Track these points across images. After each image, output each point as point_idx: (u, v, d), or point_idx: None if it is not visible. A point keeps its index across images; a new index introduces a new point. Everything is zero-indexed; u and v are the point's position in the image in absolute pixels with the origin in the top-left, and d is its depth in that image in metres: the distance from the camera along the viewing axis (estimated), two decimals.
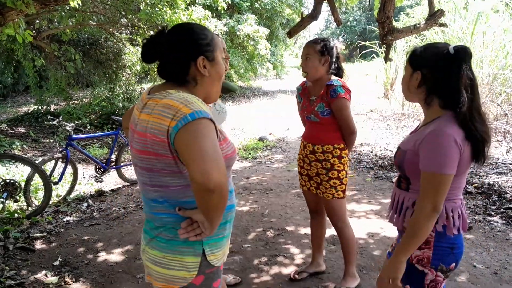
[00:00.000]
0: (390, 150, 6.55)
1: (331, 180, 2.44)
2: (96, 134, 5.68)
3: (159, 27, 1.32)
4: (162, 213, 1.25)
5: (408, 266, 1.44)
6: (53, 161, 4.35)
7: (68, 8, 7.28)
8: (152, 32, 8.84)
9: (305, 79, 2.52)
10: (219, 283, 1.34)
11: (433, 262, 1.44)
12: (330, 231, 3.18)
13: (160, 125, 1.14)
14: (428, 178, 1.36)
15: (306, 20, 4.87)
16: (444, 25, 4.64)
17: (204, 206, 1.13)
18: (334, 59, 2.40)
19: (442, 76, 1.41)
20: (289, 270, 2.88)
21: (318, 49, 2.36)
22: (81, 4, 7.31)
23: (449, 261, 1.45)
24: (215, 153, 1.10)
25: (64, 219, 3.90)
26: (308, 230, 3.32)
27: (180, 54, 1.25)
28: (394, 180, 4.89)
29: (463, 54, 1.39)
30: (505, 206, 3.95)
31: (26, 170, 4.63)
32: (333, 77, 2.40)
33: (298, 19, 5.30)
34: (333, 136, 2.43)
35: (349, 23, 37.56)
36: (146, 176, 1.24)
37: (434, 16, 4.54)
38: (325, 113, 2.38)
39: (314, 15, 4.80)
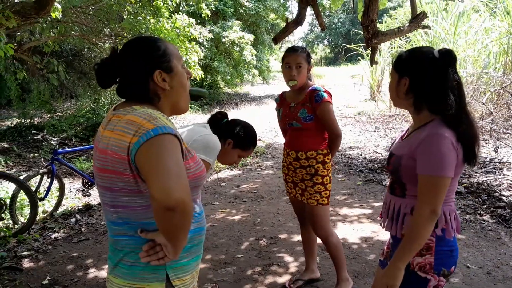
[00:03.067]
0: (379, 153, 6.58)
1: (315, 185, 2.44)
2: (82, 147, 5.58)
3: (112, 48, 1.26)
4: (123, 235, 1.18)
5: (409, 274, 1.42)
6: (38, 177, 4.24)
7: (49, 19, 7.18)
8: None
9: (288, 88, 2.53)
10: None
11: (435, 267, 1.42)
12: None
13: (121, 142, 1.09)
14: (427, 181, 1.35)
15: (291, 25, 4.88)
16: (427, 27, 4.69)
17: (165, 227, 1.07)
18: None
19: (429, 81, 1.40)
20: (284, 279, 2.84)
21: (306, 58, 2.40)
22: (62, 16, 7.22)
23: (450, 264, 1.45)
24: (178, 170, 1.05)
25: (52, 236, 3.80)
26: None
27: (136, 73, 1.20)
28: (385, 183, 4.91)
29: (448, 58, 1.41)
30: (495, 205, 3.98)
31: (11, 187, 4.51)
32: (310, 83, 2.45)
33: (283, 24, 5.30)
34: (316, 142, 2.44)
35: (333, 25, 37.92)
36: (107, 196, 1.18)
37: (417, 19, 4.58)
38: (307, 118, 2.38)
39: (298, 20, 4.81)
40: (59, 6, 5.33)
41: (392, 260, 1.42)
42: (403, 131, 1.67)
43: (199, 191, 1.33)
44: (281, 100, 2.61)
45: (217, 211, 4.28)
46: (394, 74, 1.51)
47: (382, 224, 1.64)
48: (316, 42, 43.42)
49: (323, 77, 23.23)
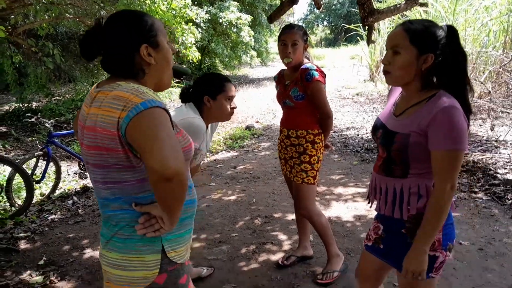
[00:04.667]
0: None
1: (302, 164, 2.44)
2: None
3: (95, 20, 1.23)
4: (117, 210, 1.20)
5: None
6: (34, 160, 4.25)
7: (44, 1, 7.08)
8: None
9: (285, 66, 2.50)
10: (185, 279, 1.29)
11: (443, 243, 1.42)
12: None
13: (110, 118, 1.09)
14: (447, 156, 1.31)
15: (286, 4, 4.80)
16: (425, 4, 4.62)
17: (163, 197, 1.09)
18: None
19: (452, 56, 1.39)
20: (277, 256, 2.87)
21: (302, 36, 2.37)
22: None
23: (453, 237, 1.46)
24: (172, 141, 1.06)
25: (49, 218, 3.83)
26: None
27: (121, 47, 1.18)
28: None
29: (455, 31, 1.41)
30: (489, 182, 3.99)
31: (7, 170, 4.53)
32: (306, 61, 2.42)
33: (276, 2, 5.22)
34: (307, 121, 2.42)
35: (333, 6, 37.41)
36: (98, 174, 1.18)
37: None
38: (298, 97, 2.37)
39: None
40: None
41: (415, 245, 1.39)
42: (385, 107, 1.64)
43: (188, 165, 1.33)
44: (279, 78, 2.61)
45: (213, 192, 4.30)
46: (409, 48, 1.38)
47: (380, 209, 1.57)
48: (316, 23, 42.91)
49: (322, 58, 23.02)
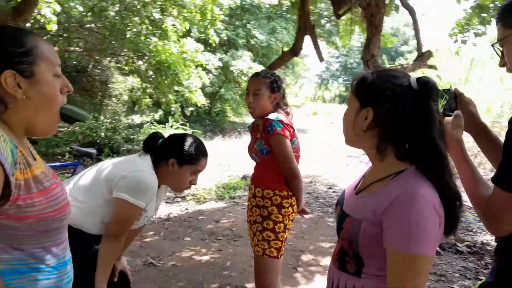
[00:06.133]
0: None
1: (264, 231, 2.06)
2: (55, 164, 5.30)
3: None
4: None
5: None
6: None
7: (52, 33, 7.10)
8: (140, 62, 8.66)
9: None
10: None
11: None
12: None
13: None
14: (402, 259, 0.95)
15: (287, 54, 4.61)
16: (433, 67, 4.36)
17: None
18: (282, 97, 2.16)
19: (404, 117, 1.03)
20: None
21: (269, 85, 2.10)
22: (63, 30, 7.14)
23: None
24: None
25: None
26: None
27: None
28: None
29: (429, 89, 1.02)
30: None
31: None
32: (276, 113, 2.09)
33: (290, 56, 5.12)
34: (274, 180, 2.08)
35: (349, 64, 38.15)
36: None
37: (422, 57, 4.27)
38: (264, 151, 2.08)
39: (294, 50, 4.55)
40: (54, 17, 5.16)
41: None
42: (361, 173, 1.27)
43: (57, 236, 0.99)
44: (253, 128, 2.32)
45: (185, 248, 3.85)
46: (353, 100, 1.12)
47: None
48: (331, 80, 43.64)
49: (332, 113, 22.98)
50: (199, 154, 1.77)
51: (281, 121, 2.04)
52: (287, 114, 2.18)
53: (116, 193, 1.60)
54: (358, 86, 1.11)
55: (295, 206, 2.11)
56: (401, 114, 1.03)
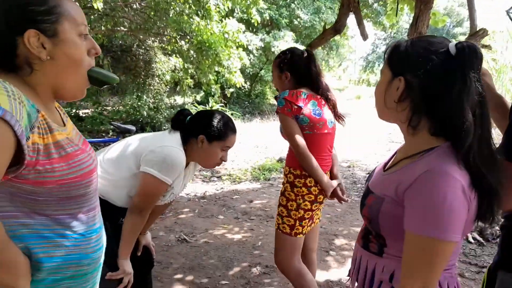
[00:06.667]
0: None
1: (280, 206, 2.07)
2: (95, 139, 5.50)
3: None
4: None
5: None
6: None
7: (99, 11, 7.29)
8: (183, 42, 8.73)
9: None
10: None
11: None
12: (325, 274, 2.66)
13: None
14: (421, 244, 0.87)
15: (328, 33, 4.45)
16: (488, 46, 4.05)
17: None
18: (298, 74, 2.05)
19: (437, 87, 0.92)
20: None
21: (277, 66, 2.08)
22: (110, 10, 7.30)
23: None
24: None
25: None
26: None
27: None
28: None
29: (469, 56, 0.90)
30: None
31: None
32: (299, 90, 2.01)
33: (337, 38, 4.95)
34: (290, 157, 2.08)
35: None
36: None
37: (475, 36, 3.97)
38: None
39: (337, 28, 4.38)
40: None
41: None
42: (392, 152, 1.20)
43: (85, 203, 0.98)
44: None
45: (218, 226, 3.89)
46: (385, 70, 1.03)
47: (351, 285, 1.16)
48: (377, 63, 42.15)
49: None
50: (228, 130, 1.75)
51: (286, 98, 1.95)
52: (316, 91, 2.05)
53: (143, 167, 1.60)
54: (390, 54, 1.02)
55: (314, 188, 1.98)
56: (435, 84, 0.92)
